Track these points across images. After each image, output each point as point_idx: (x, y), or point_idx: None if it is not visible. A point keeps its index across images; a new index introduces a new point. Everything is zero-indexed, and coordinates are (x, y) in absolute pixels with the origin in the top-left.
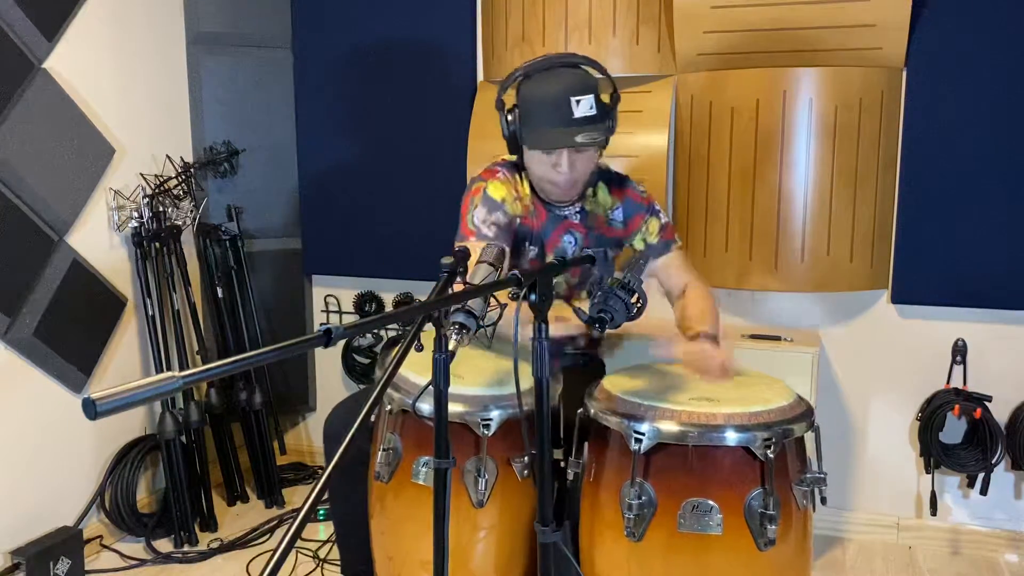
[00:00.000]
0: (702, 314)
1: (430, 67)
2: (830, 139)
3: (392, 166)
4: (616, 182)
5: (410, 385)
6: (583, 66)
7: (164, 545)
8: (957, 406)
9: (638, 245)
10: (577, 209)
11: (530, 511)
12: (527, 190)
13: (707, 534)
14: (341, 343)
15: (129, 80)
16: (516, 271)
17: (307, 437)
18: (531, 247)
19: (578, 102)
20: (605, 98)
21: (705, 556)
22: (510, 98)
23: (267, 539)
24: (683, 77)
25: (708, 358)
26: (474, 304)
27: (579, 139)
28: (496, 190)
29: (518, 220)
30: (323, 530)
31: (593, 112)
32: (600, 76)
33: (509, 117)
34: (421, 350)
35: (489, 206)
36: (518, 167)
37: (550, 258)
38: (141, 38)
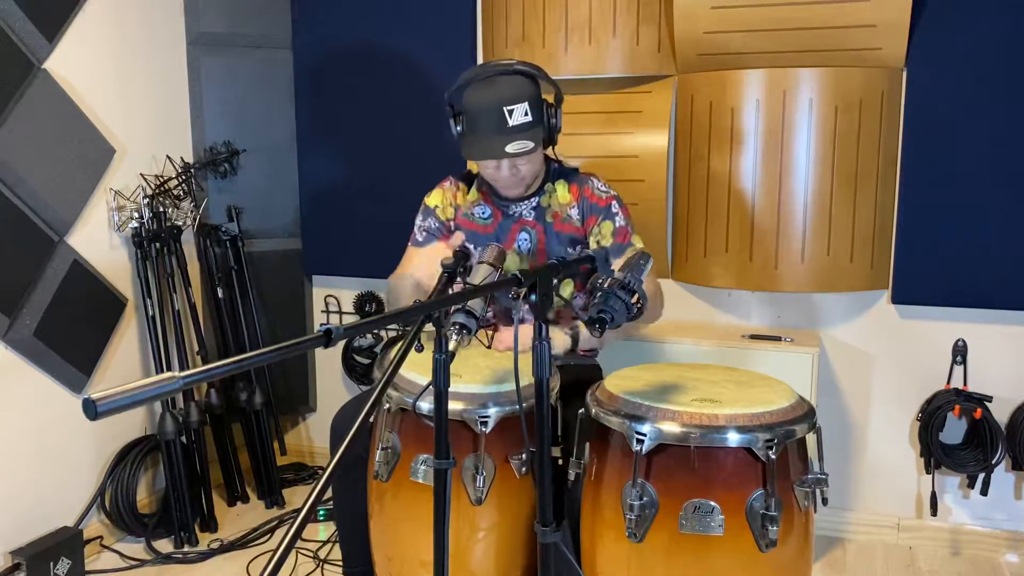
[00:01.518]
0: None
1: (430, 68)
2: (830, 139)
3: (392, 166)
4: (575, 180)
5: (408, 384)
6: (520, 71)
7: (164, 545)
8: (957, 406)
9: (592, 245)
10: (532, 205)
11: (529, 509)
12: (474, 195)
13: (708, 535)
14: (341, 343)
15: (129, 80)
16: (517, 272)
17: (307, 437)
18: (479, 248)
19: (511, 111)
20: (549, 98)
21: (706, 557)
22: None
23: (267, 539)
24: (683, 77)
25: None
26: (474, 304)
27: (509, 149)
28: (432, 199)
29: (452, 223)
30: (323, 530)
31: (528, 119)
32: (539, 79)
33: (457, 121)
34: (421, 350)
35: (424, 214)
36: (470, 179)
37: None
38: (141, 38)
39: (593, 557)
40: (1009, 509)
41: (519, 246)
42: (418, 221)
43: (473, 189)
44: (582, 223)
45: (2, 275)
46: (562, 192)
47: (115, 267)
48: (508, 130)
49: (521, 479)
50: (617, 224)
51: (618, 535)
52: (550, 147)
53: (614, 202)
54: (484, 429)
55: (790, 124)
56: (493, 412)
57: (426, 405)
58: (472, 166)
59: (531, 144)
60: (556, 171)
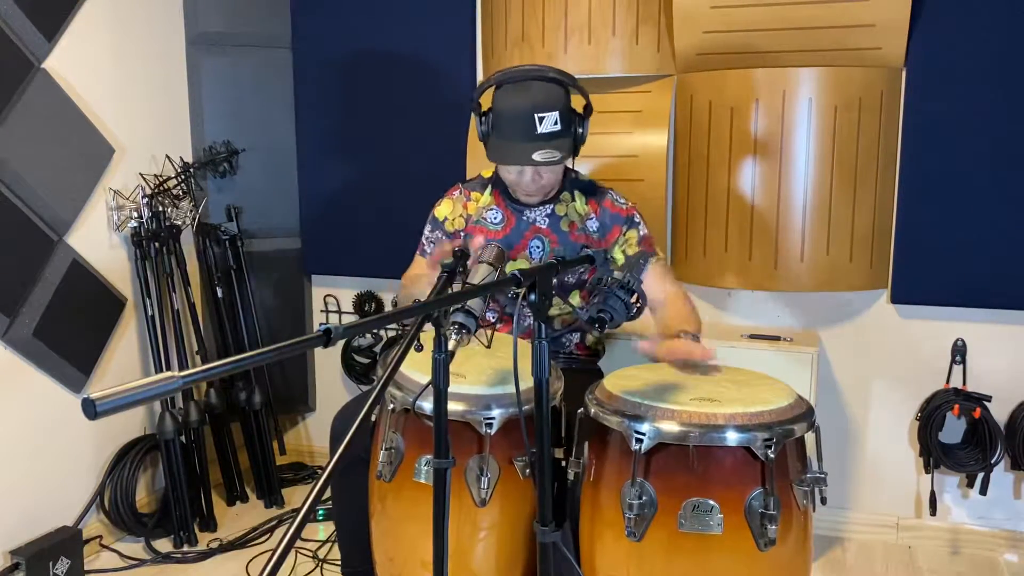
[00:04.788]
0: (682, 317)
1: (430, 67)
2: (830, 139)
3: (392, 166)
4: (593, 193)
5: (412, 384)
6: (554, 79)
7: (164, 545)
8: (956, 406)
9: (617, 256)
10: (547, 213)
11: (531, 510)
12: (487, 200)
13: (708, 534)
14: (341, 343)
15: (129, 80)
16: (516, 272)
17: (307, 437)
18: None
19: (541, 119)
20: (578, 107)
21: (706, 556)
22: (487, 100)
23: (267, 539)
24: (683, 77)
25: (691, 349)
26: (474, 304)
27: (536, 157)
28: (441, 210)
29: (461, 233)
30: (323, 530)
31: (557, 128)
32: (571, 88)
33: (482, 120)
34: (421, 350)
35: (432, 225)
36: (483, 184)
37: (518, 264)
38: (141, 38)
39: (592, 556)
40: (1008, 508)
41: (531, 253)
42: (426, 232)
43: (485, 193)
44: (603, 235)
45: (2, 275)
46: (579, 203)
47: (114, 267)
48: (537, 137)
49: (525, 480)
50: (642, 233)
51: (617, 534)
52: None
53: (635, 212)
54: (489, 431)
55: (789, 124)
56: (497, 414)
57: (428, 405)
58: (486, 171)
59: (558, 154)
60: (573, 181)
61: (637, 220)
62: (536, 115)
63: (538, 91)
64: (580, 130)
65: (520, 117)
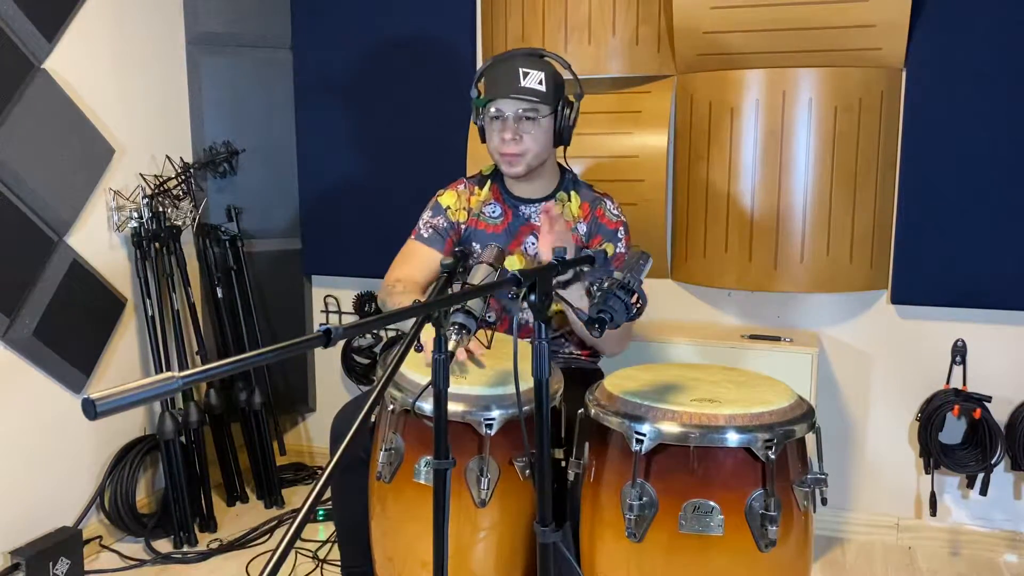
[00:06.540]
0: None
1: (430, 67)
2: (830, 139)
3: (392, 166)
4: (589, 199)
5: (412, 385)
6: (548, 59)
7: (163, 545)
8: (956, 406)
9: None
10: (543, 209)
11: (531, 511)
12: (486, 194)
13: (708, 535)
14: (341, 343)
15: (129, 80)
16: (516, 272)
17: (307, 437)
18: (479, 247)
19: (526, 74)
20: (570, 89)
21: (706, 557)
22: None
23: (267, 539)
24: (683, 77)
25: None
26: (474, 304)
27: (516, 95)
28: (445, 198)
29: (463, 226)
30: (323, 530)
31: (540, 88)
32: (559, 66)
33: (476, 113)
34: (421, 350)
35: (435, 211)
36: (482, 180)
37: (512, 258)
38: (141, 38)
39: (592, 557)
40: (1008, 509)
41: (525, 248)
42: (426, 216)
43: (485, 188)
44: (587, 241)
45: (2, 275)
46: (574, 205)
47: (114, 267)
48: (520, 88)
49: (525, 481)
50: (618, 250)
51: (618, 535)
52: (560, 146)
53: (622, 228)
54: (489, 432)
55: (789, 124)
56: (497, 415)
57: (428, 406)
58: (486, 168)
59: (537, 102)
60: (571, 181)
61: (620, 236)
62: (520, 69)
63: (526, 57)
64: (568, 111)
65: (506, 72)
